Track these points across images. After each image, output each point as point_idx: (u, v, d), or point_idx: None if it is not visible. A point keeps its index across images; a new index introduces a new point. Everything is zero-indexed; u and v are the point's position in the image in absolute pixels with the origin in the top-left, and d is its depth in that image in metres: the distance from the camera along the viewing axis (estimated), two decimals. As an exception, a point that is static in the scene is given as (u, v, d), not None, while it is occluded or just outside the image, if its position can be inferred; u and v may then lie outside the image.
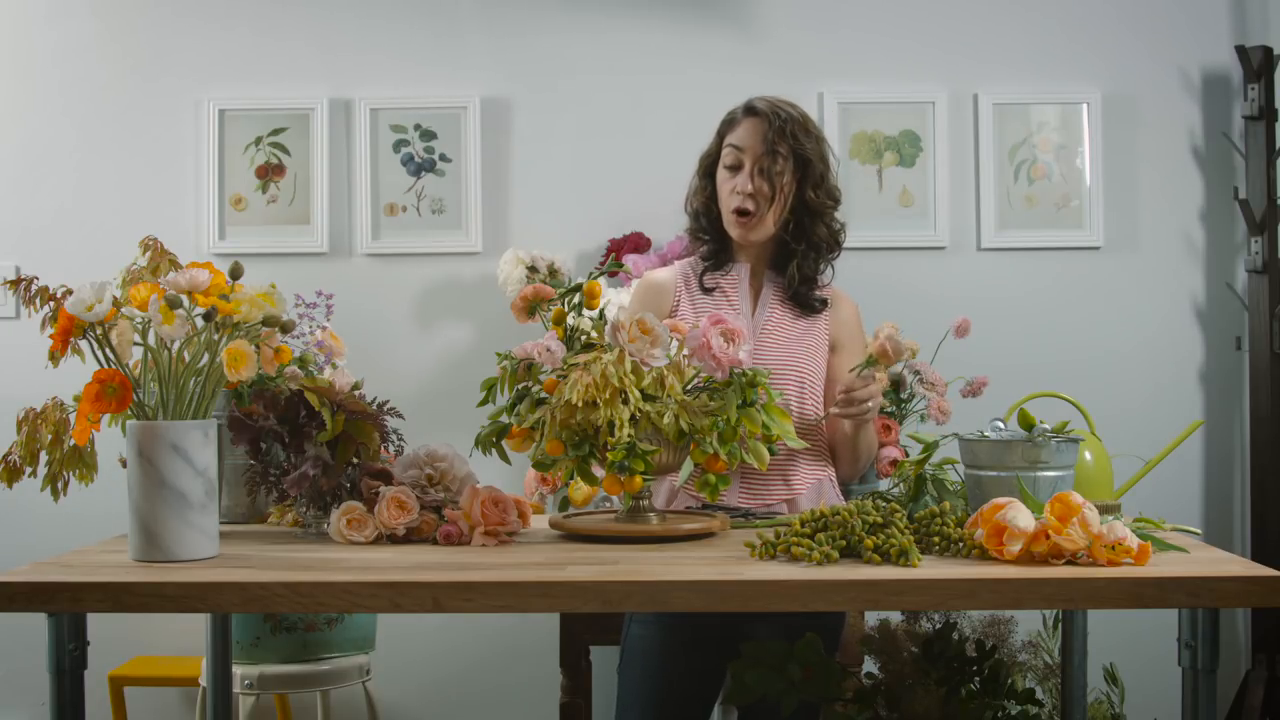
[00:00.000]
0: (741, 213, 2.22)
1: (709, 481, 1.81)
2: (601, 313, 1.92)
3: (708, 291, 2.29)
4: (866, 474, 2.98)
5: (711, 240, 2.31)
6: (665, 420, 1.74)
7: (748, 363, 1.80)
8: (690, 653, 2.20)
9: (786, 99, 2.28)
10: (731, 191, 2.23)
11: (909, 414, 3.03)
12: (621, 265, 2.09)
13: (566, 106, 3.50)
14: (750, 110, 2.26)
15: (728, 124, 2.29)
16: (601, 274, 1.98)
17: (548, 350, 1.84)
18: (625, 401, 1.74)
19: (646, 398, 1.76)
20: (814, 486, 2.22)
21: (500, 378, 1.89)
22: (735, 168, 2.23)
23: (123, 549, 1.74)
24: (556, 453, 1.79)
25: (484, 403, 1.90)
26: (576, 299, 1.91)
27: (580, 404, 1.73)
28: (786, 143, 2.20)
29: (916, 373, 2.99)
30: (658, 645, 2.20)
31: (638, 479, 1.77)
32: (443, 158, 3.48)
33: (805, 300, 2.27)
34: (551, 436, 1.78)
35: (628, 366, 1.76)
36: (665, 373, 1.78)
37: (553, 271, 3.28)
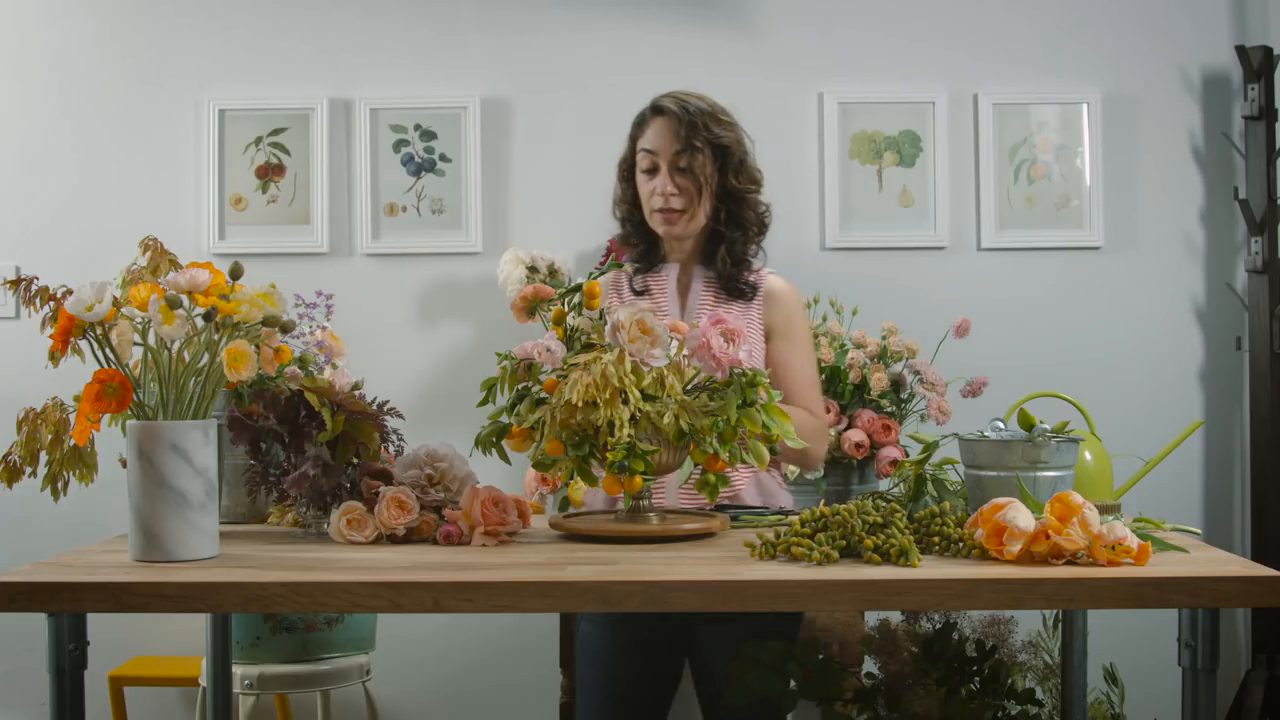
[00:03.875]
0: (665, 212, 2.23)
1: (708, 481, 1.81)
2: (602, 313, 1.92)
3: (638, 294, 2.30)
4: (867, 475, 2.98)
5: (641, 242, 2.33)
6: (665, 420, 1.74)
7: (748, 362, 1.80)
8: (643, 654, 2.21)
9: (694, 92, 2.28)
10: (652, 194, 2.24)
11: (909, 414, 3.03)
12: (621, 265, 2.09)
13: (566, 106, 3.50)
14: (658, 110, 2.26)
15: (638, 126, 2.29)
16: (601, 274, 1.98)
17: (548, 350, 1.84)
18: (625, 401, 1.74)
19: (646, 398, 1.76)
20: (751, 480, 2.23)
21: (500, 378, 1.89)
22: (652, 170, 2.25)
23: (123, 549, 1.74)
24: (556, 453, 1.79)
25: (484, 403, 1.90)
26: (576, 299, 1.91)
27: (580, 404, 1.73)
28: (700, 135, 2.21)
29: (916, 373, 2.99)
30: (609, 646, 2.22)
31: (638, 479, 1.77)
32: (443, 158, 3.48)
33: (735, 288, 2.28)
34: (551, 436, 1.78)
35: (628, 366, 1.75)
36: (665, 373, 1.78)
37: (553, 271, 3.28)
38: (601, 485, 1.79)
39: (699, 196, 2.23)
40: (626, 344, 1.76)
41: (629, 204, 2.32)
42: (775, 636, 2.07)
